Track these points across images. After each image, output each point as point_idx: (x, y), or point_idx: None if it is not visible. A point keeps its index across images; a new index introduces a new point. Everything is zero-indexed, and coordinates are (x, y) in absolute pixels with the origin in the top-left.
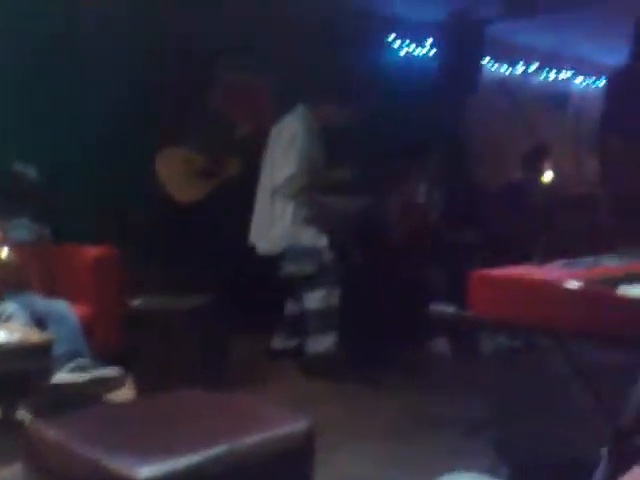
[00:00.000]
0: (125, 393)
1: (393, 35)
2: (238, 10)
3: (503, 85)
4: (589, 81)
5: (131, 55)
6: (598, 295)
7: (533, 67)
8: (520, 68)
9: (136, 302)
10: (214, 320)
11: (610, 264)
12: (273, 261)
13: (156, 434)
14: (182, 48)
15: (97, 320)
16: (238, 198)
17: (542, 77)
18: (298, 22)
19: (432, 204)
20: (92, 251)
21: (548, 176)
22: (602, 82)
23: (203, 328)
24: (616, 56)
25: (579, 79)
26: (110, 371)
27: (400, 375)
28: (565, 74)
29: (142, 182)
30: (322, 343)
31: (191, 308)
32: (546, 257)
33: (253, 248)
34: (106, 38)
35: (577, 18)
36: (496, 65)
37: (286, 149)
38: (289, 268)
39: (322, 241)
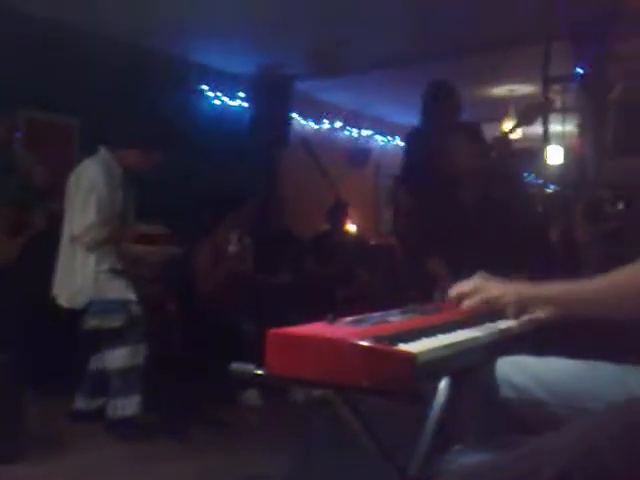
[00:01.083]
0: None
1: (205, 85)
2: (42, 46)
3: (305, 142)
4: (387, 139)
5: None
6: (378, 351)
7: (338, 124)
8: (326, 125)
9: None
10: (6, 383)
11: (395, 320)
12: (76, 315)
13: None
14: None
15: None
16: (42, 248)
17: (346, 134)
18: (105, 63)
19: (244, 253)
20: None
21: (350, 228)
22: (399, 141)
23: None
24: (411, 117)
25: (378, 137)
26: None
27: (211, 431)
28: (366, 132)
29: None
30: (127, 404)
31: None
32: (339, 313)
33: (55, 302)
34: None
35: (376, 80)
36: (303, 121)
37: (85, 196)
38: (92, 322)
39: (130, 294)
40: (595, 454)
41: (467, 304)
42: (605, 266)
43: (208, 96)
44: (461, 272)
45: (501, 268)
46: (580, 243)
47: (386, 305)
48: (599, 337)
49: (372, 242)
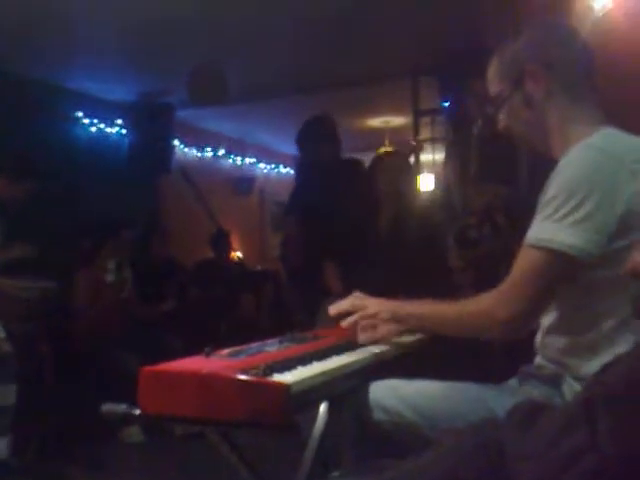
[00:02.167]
0: None
1: (81, 112)
2: None
3: (183, 170)
4: (271, 167)
5: None
6: (252, 384)
7: (221, 152)
8: (209, 153)
9: None
10: None
11: (271, 350)
12: None
13: None
14: None
15: None
16: None
17: (230, 162)
18: None
19: (123, 283)
20: None
21: (235, 255)
22: (282, 168)
23: None
24: (293, 146)
25: (262, 165)
26: None
27: (89, 472)
28: (250, 160)
29: None
30: None
31: None
32: (224, 343)
33: None
34: None
35: (258, 110)
36: (186, 149)
37: None
38: None
39: None
40: (452, 476)
41: (345, 323)
42: (477, 290)
43: (84, 123)
44: (355, 285)
45: (390, 286)
46: (453, 268)
47: (272, 331)
48: (464, 360)
49: (258, 268)
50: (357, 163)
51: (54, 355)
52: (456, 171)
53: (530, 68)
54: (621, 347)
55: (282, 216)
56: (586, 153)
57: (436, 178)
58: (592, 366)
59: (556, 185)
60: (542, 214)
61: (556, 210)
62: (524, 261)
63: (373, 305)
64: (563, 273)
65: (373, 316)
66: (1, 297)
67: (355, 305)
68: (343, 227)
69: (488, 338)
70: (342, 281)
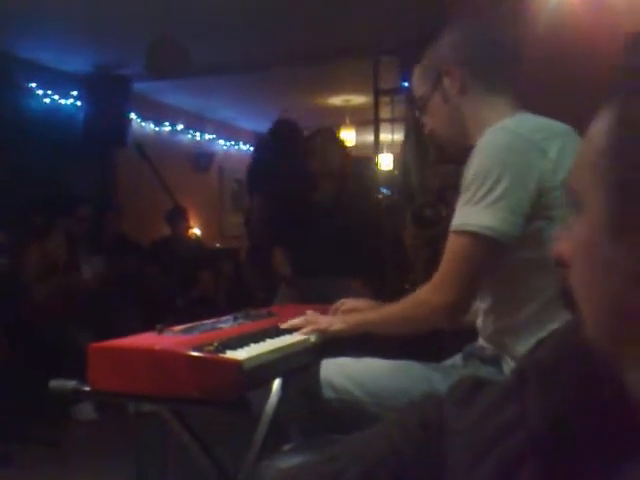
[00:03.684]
0: None
1: (35, 83)
2: None
3: (139, 145)
4: (230, 143)
5: None
6: (204, 360)
7: (180, 127)
8: (167, 127)
9: None
10: None
11: (225, 326)
12: None
13: None
14: None
15: None
16: None
17: (189, 137)
18: None
19: (75, 261)
20: None
21: (191, 232)
22: (242, 145)
23: None
24: (254, 123)
25: (221, 141)
26: None
27: (39, 448)
28: (209, 136)
29: None
30: None
31: None
32: (180, 320)
33: None
34: None
35: (219, 84)
36: (143, 123)
37: None
38: None
39: None
40: (395, 452)
41: (301, 333)
42: (431, 270)
43: (37, 94)
44: (304, 268)
45: (341, 269)
46: (409, 247)
47: (230, 310)
48: (413, 338)
49: (217, 245)
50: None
51: (3, 331)
52: (414, 152)
53: (446, 68)
54: (555, 324)
55: (246, 194)
56: (497, 135)
57: (395, 158)
58: (528, 345)
59: (472, 169)
60: (462, 199)
61: (474, 194)
62: (450, 248)
63: (325, 321)
64: (487, 256)
65: (327, 328)
66: None
67: (308, 321)
68: (289, 207)
69: (433, 327)
70: (290, 265)
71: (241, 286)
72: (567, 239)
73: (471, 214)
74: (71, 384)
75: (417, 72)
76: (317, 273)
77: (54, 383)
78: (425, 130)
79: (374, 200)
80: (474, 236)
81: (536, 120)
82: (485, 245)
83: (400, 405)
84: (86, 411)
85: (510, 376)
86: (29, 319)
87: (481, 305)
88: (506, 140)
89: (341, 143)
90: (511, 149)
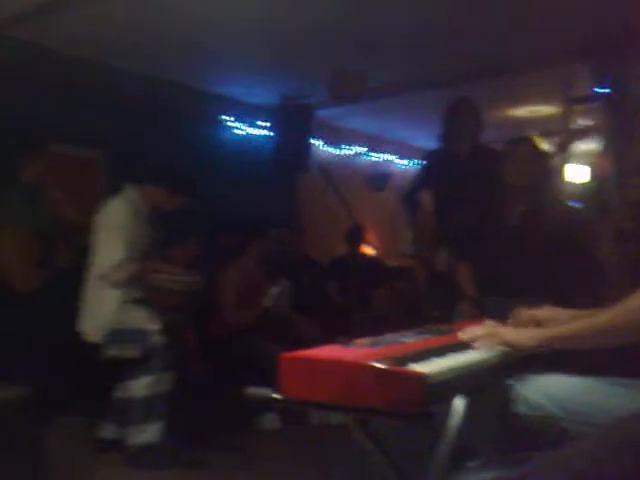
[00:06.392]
0: None
1: (228, 116)
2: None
3: (322, 168)
4: (408, 163)
5: None
6: (390, 372)
7: (358, 149)
8: (346, 150)
9: None
10: (28, 415)
11: (409, 341)
12: (99, 347)
13: None
14: None
15: None
16: (69, 284)
17: (367, 159)
18: (126, 94)
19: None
20: None
21: (368, 251)
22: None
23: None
24: (431, 141)
25: (398, 161)
26: None
27: (231, 456)
28: (387, 156)
29: None
30: (146, 433)
31: None
32: (354, 336)
33: (80, 335)
34: None
35: (395, 104)
36: (325, 148)
37: (112, 234)
38: (111, 351)
39: (152, 324)
40: (595, 467)
41: (479, 345)
42: (631, 287)
43: (230, 127)
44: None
45: (529, 288)
46: (607, 264)
47: (404, 327)
48: (604, 355)
49: (393, 263)
50: (491, 151)
51: (199, 344)
52: (614, 161)
53: None
54: None
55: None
56: None
57: (592, 170)
58: None
59: None
60: None
61: None
62: None
63: (510, 333)
64: None
65: (512, 344)
66: (157, 290)
67: (490, 333)
68: (470, 219)
69: None
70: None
71: (416, 305)
72: None
73: None
74: (264, 391)
75: None
76: (504, 292)
77: (250, 391)
78: None
79: (566, 215)
80: None
81: None
82: None
83: (599, 422)
84: (271, 421)
85: None
86: (218, 333)
87: None
88: None
89: (543, 154)
90: None
